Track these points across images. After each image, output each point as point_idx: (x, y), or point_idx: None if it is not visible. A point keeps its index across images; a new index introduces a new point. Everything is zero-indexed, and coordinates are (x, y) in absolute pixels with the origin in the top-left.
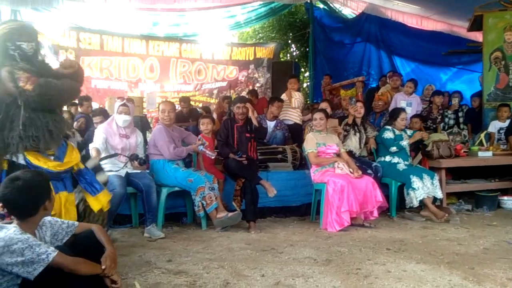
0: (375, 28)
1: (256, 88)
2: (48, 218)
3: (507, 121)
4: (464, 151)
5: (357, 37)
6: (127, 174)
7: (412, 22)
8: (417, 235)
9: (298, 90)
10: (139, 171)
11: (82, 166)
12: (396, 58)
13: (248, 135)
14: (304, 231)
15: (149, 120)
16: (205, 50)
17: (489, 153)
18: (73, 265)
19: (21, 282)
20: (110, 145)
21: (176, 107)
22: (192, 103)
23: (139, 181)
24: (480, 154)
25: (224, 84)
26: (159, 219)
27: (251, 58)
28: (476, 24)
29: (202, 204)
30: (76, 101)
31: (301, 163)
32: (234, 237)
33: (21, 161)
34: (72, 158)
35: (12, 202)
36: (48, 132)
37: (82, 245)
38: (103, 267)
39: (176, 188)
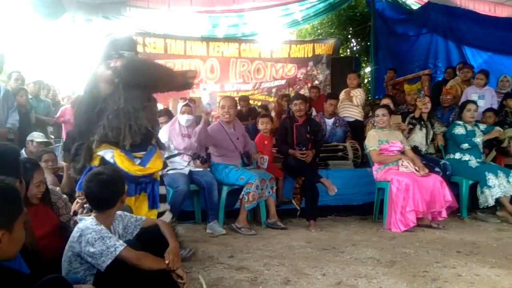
0: (442, 18)
1: (312, 85)
2: (119, 212)
3: None
4: None
5: (423, 28)
6: (190, 172)
7: (484, 9)
8: (491, 237)
9: (359, 85)
10: (201, 169)
11: (158, 177)
12: (467, 49)
13: (308, 135)
14: (367, 230)
15: (211, 119)
16: (263, 49)
17: None
18: (137, 259)
19: (96, 273)
20: (173, 145)
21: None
22: (251, 102)
23: (201, 179)
24: None
25: (283, 82)
26: (220, 216)
27: (309, 55)
28: None
29: (244, 198)
30: None
31: (363, 161)
32: (294, 235)
33: (110, 159)
34: (155, 165)
35: (96, 194)
36: (128, 126)
37: (148, 240)
38: (166, 261)
39: (236, 186)
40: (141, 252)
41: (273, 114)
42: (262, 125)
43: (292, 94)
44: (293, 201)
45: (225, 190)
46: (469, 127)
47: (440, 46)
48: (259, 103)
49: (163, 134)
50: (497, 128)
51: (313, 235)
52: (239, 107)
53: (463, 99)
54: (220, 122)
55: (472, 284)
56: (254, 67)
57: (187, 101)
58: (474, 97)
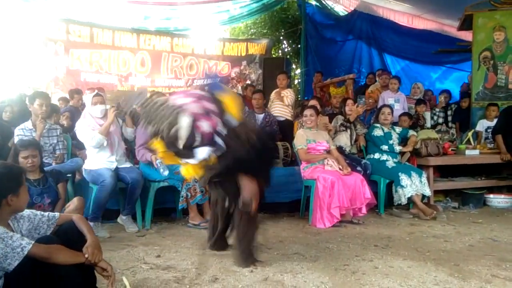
0: (367, 26)
1: (248, 83)
2: (27, 211)
3: (495, 120)
4: (452, 150)
5: (349, 35)
6: (117, 168)
7: (403, 20)
8: (405, 232)
9: (289, 86)
10: (128, 165)
11: None
12: (387, 56)
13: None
14: (294, 227)
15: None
16: (197, 45)
17: (476, 152)
18: (49, 254)
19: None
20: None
21: None
22: None
23: (127, 175)
24: (468, 152)
25: (216, 80)
26: (147, 215)
27: (243, 54)
28: (466, 24)
29: (187, 196)
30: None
31: (292, 160)
32: None
33: None
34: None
35: None
36: None
37: (63, 237)
38: (86, 256)
39: (165, 183)
40: (53, 246)
41: None
42: None
43: None
44: None
45: (153, 187)
46: (386, 129)
47: (364, 53)
48: None
49: (86, 128)
50: (412, 133)
51: None
52: None
53: (380, 103)
54: None
55: (387, 275)
56: (187, 63)
57: (96, 91)
58: (390, 100)
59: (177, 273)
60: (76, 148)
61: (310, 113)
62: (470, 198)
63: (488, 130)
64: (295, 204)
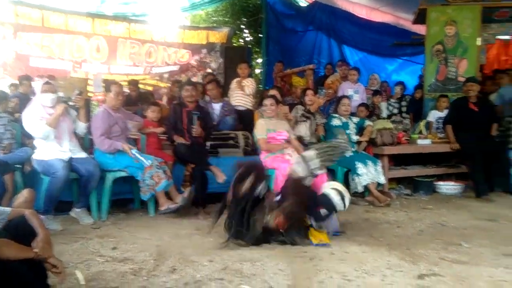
0: (327, 18)
1: (208, 72)
2: None
3: (445, 111)
4: (406, 139)
5: (309, 25)
6: (70, 159)
7: (361, 13)
8: (360, 218)
9: (250, 76)
10: (83, 156)
11: None
12: (345, 48)
13: (198, 121)
14: None
15: (96, 104)
16: (155, 31)
17: (427, 141)
18: None
19: None
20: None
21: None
22: (142, 86)
23: (82, 167)
24: (420, 142)
25: (176, 68)
26: (103, 206)
27: (203, 42)
28: (421, 17)
29: (152, 184)
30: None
31: (253, 149)
32: (182, 223)
33: None
34: None
35: None
36: None
37: (13, 232)
38: (35, 250)
39: (122, 174)
40: (1, 240)
41: (165, 100)
42: (153, 113)
43: (185, 80)
44: (182, 188)
45: (109, 178)
46: (344, 120)
47: (324, 44)
48: (151, 88)
49: (35, 118)
50: (369, 123)
51: (202, 222)
52: (128, 91)
53: (340, 93)
54: (105, 107)
55: (343, 260)
56: (145, 50)
57: (47, 79)
58: (350, 91)
59: (134, 265)
60: (25, 137)
61: (270, 102)
62: (422, 186)
63: (439, 121)
64: None
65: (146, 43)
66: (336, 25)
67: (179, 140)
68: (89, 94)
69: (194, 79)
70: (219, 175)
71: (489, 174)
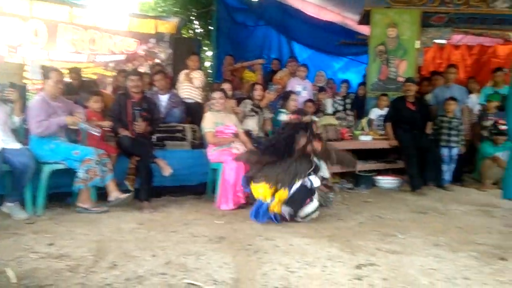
0: (277, 13)
1: (156, 62)
2: None
3: (385, 109)
4: (349, 135)
5: (260, 21)
6: (3, 149)
7: (310, 11)
8: None
9: (199, 68)
10: (17, 147)
11: None
12: (295, 44)
13: (144, 113)
14: (200, 209)
15: (34, 93)
16: (100, 17)
17: (369, 138)
18: None
19: None
20: None
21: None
22: (86, 75)
23: (15, 158)
24: (361, 138)
25: (122, 57)
26: (39, 200)
27: (152, 32)
28: (365, 19)
29: (85, 178)
30: None
31: (201, 142)
32: (125, 217)
33: None
34: None
35: None
36: None
37: None
38: None
39: (60, 166)
40: None
41: (109, 90)
42: (95, 104)
43: (130, 70)
44: (125, 182)
45: (46, 170)
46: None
47: (274, 39)
48: (95, 77)
49: None
50: (315, 119)
51: (146, 216)
52: (69, 80)
53: (288, 89)
54: (43, 95)
55: (287, 253)
56: (89, 36)
57: None
58: (298, 87)
59: (72, 262)
60: None
61: (219, 96)
62: (363, 180)
63: (380, 118)
64: (202, 187)
65: (90, 29)
66: (286, 22)
67: (123, 132)
68: (26, 81)
69: (141, 69)
70: (165, 168)
71: (423, 169)
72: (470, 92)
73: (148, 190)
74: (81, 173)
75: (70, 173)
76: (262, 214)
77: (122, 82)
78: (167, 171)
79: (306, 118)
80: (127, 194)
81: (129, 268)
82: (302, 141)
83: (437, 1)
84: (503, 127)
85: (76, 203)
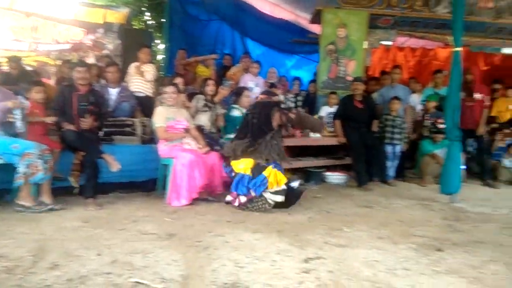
0: (230, 8)
1: (105, 54)
2: None
3: (335, 107)
4: (300, 132)
5: (213, 15)
6: None
7: (265, 8)
8: None
9: (151, 62)
10: None
11: None
12: (248, 40)
13: (91, 107)
14: (149, 206)
15: None
16: (43, 4)
17: (319, 135)
18: None
19: None
20: None
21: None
22: (28, 63)
23: None
24: (312, 135)
25: (67, 46)
26: None
27: (100, 22)
28: (317, 18)
29: (26, 173)
30: None
31: (151, 137)
32: (69, 215)
33: None
34: None
35: None
36: None
37: None
38: None
39: None
40: None
41: (53, 80)
42: (37, 94)
43: (77, 61)
44: (70, 178)
45: None
46: (244, 111)
47: (227, 34)
48: (35, 64)
49: None
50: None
51: (92, 214)
52: (8, 69)
53: (241, 85)
54: None
55: (236, 248)
56: (31, 24)
57: None
58: (251, 84)
59: (9, 263)
60: None
61: (172, 90)
62: (313, 176)
63: (330, 116)
64: (152, 183)
65: (32, 16)
66: (240, 18)
67: (68, 127)
68: None
69: (88, 60)
70: (113, 163)
71: (369, 165)
72: (413, 92)
73: (94, 187)
74: (21, 168)
75: (7, 169)
76: (241, 186)
77: (67, 73)
78: (115, 166)
79: (275, 98)
80: (60, 206)
81: (72, 268)
82: (277, 116)
83: (384, 4)
84: (442, 126)
85: (15, 200)
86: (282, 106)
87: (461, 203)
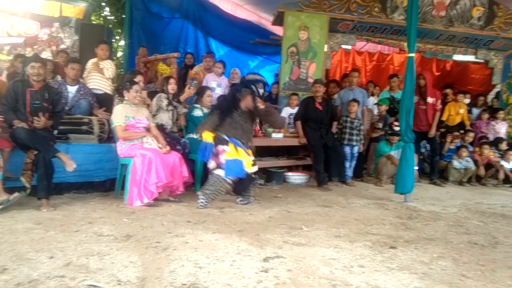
0: (194, 7)
1: (62, 49)
2: None
3: (296, 108)
4: (262, 132)
5: (176, 13)
6: None
7: (227, 7)
8: (216, 207)
9: (110, 58)
10: None
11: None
12: (212, 40)
13: (45, 104)
14: (107, 207)
15: None
16: None
17: (280, 135)
18: None
19: None
20: None
21: None
22: None
23: None
24: (274, 135)
25: (20, 40)
26: None
27: (56, 15)
28: (279, 20)
29: None
30: None
31: (109, 136)
32: (20, 217)
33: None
34: None
35: None
36: None
37: None
38: None
39: None
40: None
41: (4, 76)
42: None
43: (31, 55)
44: (21, 178)
45: None
46: (205, 110)
47: (190, 33)
48: None
49: None
50: None
51: (45, 215)
52: None
53: (204, 85)
54: None
55: (196, 249)
56: None
57: None
58: (213, 84)
59: None
60: None
61: (136, 89)
62: (274, 176)
63: (291, 117)
64: (110, 183)
65: None
66: (202, 16)
67: (19, 124)
68: None
69: (44, 55)
70: (68, 163)
71: (328, 166)
72: (371, 95)
73: (47, 187)
74: None
75: None
76: (207, 153)
77: (19, 68)
78: (70, 166)
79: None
80: (17, 194)
81: (22, 272)
82: (247, 99)
83: (344, 9)
84: (397, 128)
85: None
86: (261, 92)
87: (414, 202)
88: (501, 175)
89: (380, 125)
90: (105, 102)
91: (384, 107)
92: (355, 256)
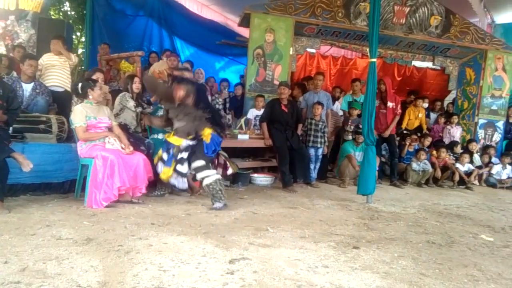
0: (158, 5)
1: (18, 44)
2: None
3: (262, 110)
4: (227, 134)
5: (140, 11)
6: None
7: (193, 7)
8: (181, 209)
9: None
10: None
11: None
12: (177, 40)
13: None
14: (66, 209)
15: None
16: None
17: (246, 137)
18: None
19: None
20: None
21: None
22: None
23: None
24: (239, 137)
25: None
26: None
27: (11, 8)
28: (245, 21)
29: None
30: None
31: (69, 136)
32: None
33: None
34: None
35: None
36: None
37: None
38: None
39: None
40: None
41: None
42: None
43: None
44: None
45: None
46: None
47: (155, 32)
48: None
49: None
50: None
51: None
52: None
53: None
54: None
55: (161, 251)
56: None
57: None
58: None
59: None
60: None
61: (100, 86)
62: (240, 177)
63: (257, 118)
64: (69, 184)
65: None
66: (169, 15)
67: None
68: None
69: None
70: (25, 163)
71: (293, 167)
72: (337, 98)
73: (1, 189)
74: None
75: None
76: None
77: None
78: (26, 166)
79: (186, 74)
80: None
81: None
82: (179, 91)
83: (309, 13)
84: None
85: None
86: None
87: (375, 203)
88: (456, 177)
89: (352, 128)
90: (65, 100)
91: (356, 111)
92: (320, 256)
